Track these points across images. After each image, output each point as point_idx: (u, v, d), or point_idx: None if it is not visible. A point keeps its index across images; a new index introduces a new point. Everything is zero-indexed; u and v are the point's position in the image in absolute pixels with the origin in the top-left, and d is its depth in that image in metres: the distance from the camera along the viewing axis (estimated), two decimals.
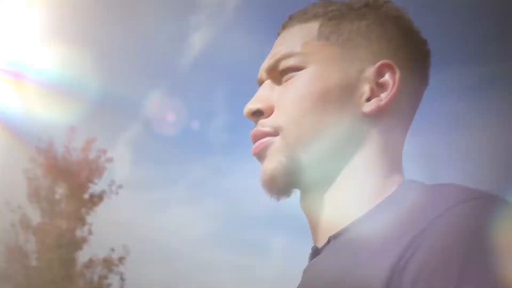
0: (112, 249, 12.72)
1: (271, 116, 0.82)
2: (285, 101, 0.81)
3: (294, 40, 0.84)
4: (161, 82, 19.01)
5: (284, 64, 0.83)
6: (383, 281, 0.61)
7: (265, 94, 0.84)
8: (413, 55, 0.83)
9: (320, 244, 0.79)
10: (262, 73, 0.87)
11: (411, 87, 0.83)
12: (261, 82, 0.87)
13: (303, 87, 0.80)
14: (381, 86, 0.80)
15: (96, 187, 13.04)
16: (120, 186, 13.05)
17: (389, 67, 0.80)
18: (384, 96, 0.79)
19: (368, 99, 0.79)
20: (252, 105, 0.83)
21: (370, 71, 0.80)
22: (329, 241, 0.77)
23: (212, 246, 17.84)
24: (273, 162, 0.80)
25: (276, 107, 0.82)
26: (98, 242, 12.75)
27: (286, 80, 0.83)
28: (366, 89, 0.80)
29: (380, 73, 0.80)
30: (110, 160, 13.26)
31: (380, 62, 0.80)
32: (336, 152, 0.80)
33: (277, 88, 0.84)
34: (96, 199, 12.91)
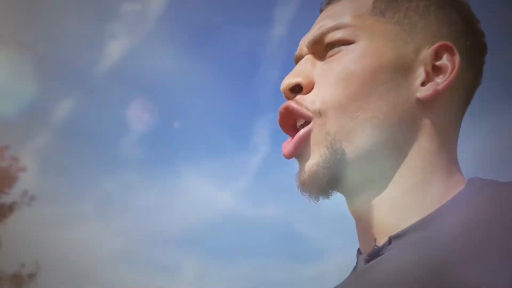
0: (23, 265, 11.96)
1: (310, 94, 0.71)
2: (329, 77, 0.71)
3: (344, 12, 0.74)
4: (74, 90, 18.36)
5: (331, 36, 0.72)
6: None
7: (306, 69, 0.73)
8: (472, 46, 0.75)
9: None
10: (302, 47, 0.76)
11: (467, 80, 0.74)
12: (299, 58, 0.77)
13: (352, 63, 0.70)
14: (438, 70, 0.71)
15: (6, 198, 12.29)
16: (32, 198, 12.38)
17: (448, 49, 0.71)
18: (442, 81, 0.70)
19: (423, 84, 0.70)
20: (291, 78, 0.72)
21: (428, 52, 0.71)
22: (390, 241, 0.66)
23: (122, 265, 17.31)
24: (314, 156, 0.69)
25: (318, 84, 0.72)
26: (7, 257, 11.97)
27: (332, 55, 0.72)
28: (421, 71, 0.71)
29: (438, 55, 0.72)
30: (22, 169, 12.58)
31: (439, 43, 0.72)
32: (387, 144, 0.69)
33: (320, 63, 0.73)
34: (6, 210, 12.13)
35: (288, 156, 0.71)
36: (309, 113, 0.70)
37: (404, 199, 0.68)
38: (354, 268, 0.75)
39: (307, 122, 0.71)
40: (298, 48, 0.77)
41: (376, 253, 0.68)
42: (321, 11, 0.80)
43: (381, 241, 0.68)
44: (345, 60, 0.70)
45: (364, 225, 0.72)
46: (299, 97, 0.71)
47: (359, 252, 0.75)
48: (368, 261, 0.68)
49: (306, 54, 0.75)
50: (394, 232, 0.66)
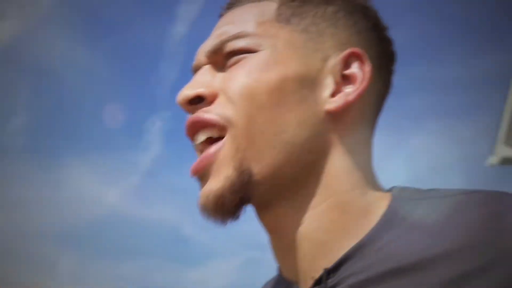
0: None
1: (214, 105, 0.66)
2: (234, 87, 0.65)
3: (247, 19, 0.69)
4: None
5: (233, 45, 0.67)
6: None
7: (206, 79, 0.68)
8: (381, 53, 0.72)
9: (305, 277, 0.65)
10: (200, 57, 0.70)
11: (377, 89, 0.71)
12: (197, 69, 0.71)
13: (257, 72, 0.65)
14: (347, 79, 0.68)
15: None
16: None
17: (358, 57, 0.68)
18: (352, 91, 0.66)
19: (333, 95, 0.67)
20: (191, 90, 0.66)
21: (336, 60, 0.68)
22: (328, 274, 0.62)
23: None
24: (219, 177, 0.64)
25: (221, 95, 0.66)
26: None
27: (233, 64, 0.67)
28: (330, 81, 0.67)
29: (347, 63, 0.68)
30: None
31: (348, 50, 0.68)
32: (298, 161, 0.65)
33: (221, 74, 0.68)
34: None
35: (195, 174, 0.66)
36: (220, 119, 0.64)
37: (327, 220, 0.65)
38: None
39: (216, 139, 0.66)
40: (196, 58, 0.71)
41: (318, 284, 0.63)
42: (221, 16, 0.74)
43: (311, 264, 0.65)
44: (250, 68, 0.65)
45: (285, 246, 0.67)
46: (205, 108, 0.66)
47: (281, 272, 0.71)
48: None
49: (205, 64, 0.70)
50: (324, 257, 0.64)
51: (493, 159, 7.91)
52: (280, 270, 0.72)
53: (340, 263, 0.62)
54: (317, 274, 0.63)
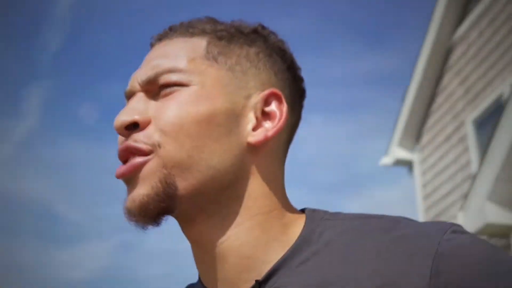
0: None
1: (146, 130, 0.73)
2: (165, 115, 0.73)
3: (179, 54, 0.77)
4: None
5: (166, 78, 0.75)
6: None
7: (141, 107, 0.75)
8: (295, 91, 0.82)
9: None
10: (134, 84, 0.78)
11: (290, 124, 0.81)
12: (131, 94, 0.78)
13: (188, 104, 0.73)
14: (267, 115, 0.77)
15: None
16: None
17: (276, 97, 0.78)
18: (271, 127, 0.76)
19: (254, 129, 0.76)
20: (127, 116, 0.73)
21: (258, 98, 0.77)
22: (259, 285, 0.72)
23: None
24: (146, 186, 0.71)
25: (154, 121, 0.73)
26: None
27: (166, 95, 0.75)
28: (252, 117, 0.76)
29: (267, 101, 0.77)
30: None
31: (268, 90, 0.78)
32: (220, 185, 0.73)
33: (153, 102, 0.76)
34: None
35: (119, 176, 0.73)
36: (147, 147, 0.72)
37: (251, 237, 0.73)
38: None
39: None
40: (130, 84, 0.79)
41: None
42: (151, 45, 0.82)
43: (237, 276, 0.73)
44: (180, 100, 0.73)
45: (209, 259, 0.75)
46: (136, 135, 0.73)
47: (201, 281, 0.79)
48: None
49: (138, 91, 0.77)
50: (250, 270, 0.73)
51: (387, 159, 8.32)
52: (200, 279, 0.80)
53: (269, 276, 0.71)
54: (244, 285, 0.72)
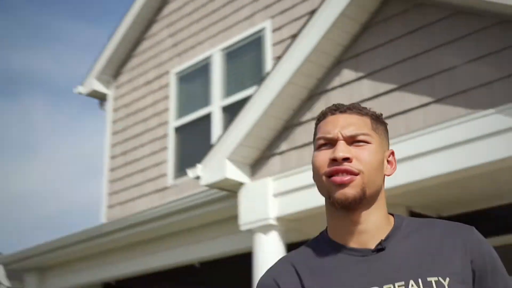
0: None
1: (353, 162, 1.37)
2: (364, 157, 1.38)
3: (363, 126, 1.42)
4: None
5: (362, 137, 1.40)
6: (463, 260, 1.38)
7: (348, 149, 1.38)
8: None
9: (368, 245, 1.40)
10: (338, 135, 1.40)
11: None
12: (332, 140, 1.41)
13: (373, 154, 1.40)
14: (390, 163, 1.45)
15: None
16: None
17: (392, 153, 1.48)
18: (390, 169, 1.46)
19: (386, 169, 1.44)
20: (344, 153, 1.37)
21: (388, 153, 1.49)
22: (380, 243, 1.39)
23: None
24: (355, 190, 1.36)
25: (356, 159, 1.37)
26: None
27: (357, 145, 1.40)
28: (385, 163, 1.46)
29: (389, 155, 1.47)
30: None
31: (390, 150, 1.48)
32: (378, 191, 1.43)
33: (350, 147, 1.39)
34: None
35: (340, 182, 1.39)
36: (357, 171, 1.37)
37: (382, 219, 1.44)
38: (334, 256, 1.43)
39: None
40: (332, 133, 1.42)
41: (380, 249, 1.38)
42: (331, 113, 1.47)
43: (370, 242, 1.40)
44: (370, 150, 1.40)
45: (359, 230, 1.40)
46: (347, 164, 1.37)
47: (334, 243, 1.44)
48: (374, 252, 1.38)
49: (340, 140, 1.40)
50: (378, 235, 1.40)
51: (82, 88, 8.45)
52: (329, 236, 1.46)
53: (387, 237, 1.41)
54: (372, 242, 1.40)
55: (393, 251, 1.37)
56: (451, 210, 4.84)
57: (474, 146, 3.71)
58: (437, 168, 3.85)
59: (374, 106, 3.83)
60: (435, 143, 3.88)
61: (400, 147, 3.76)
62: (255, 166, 4.99)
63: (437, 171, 3.86)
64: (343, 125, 1.41)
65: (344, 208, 1.37)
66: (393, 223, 1.45)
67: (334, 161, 1.37)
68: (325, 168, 1.38)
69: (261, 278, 1.47)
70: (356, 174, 1.36)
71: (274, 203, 4.70)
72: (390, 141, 3.52)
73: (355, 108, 1.46)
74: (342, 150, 1.37)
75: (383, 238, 1.40)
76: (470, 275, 1.36)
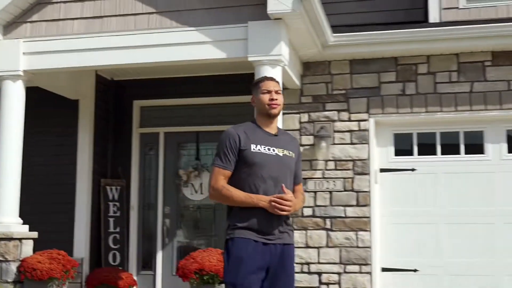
0: None
1: (278, 101, 3.27)
2: (280, 99, 3.29)
3: (279, 86, 3.35)
4: None
5: (279, 91, 3.30)
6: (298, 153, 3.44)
7: (275, 96, 3.26)
8: None
9: (272, 132, 3.30)
10: (273, 89, 3.28)
11: None
12: (270, 91, 3.27)
13: (282, 97, 3.32)
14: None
15: None
16: None
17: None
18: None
19: None
20: (275, 97, 3.27)
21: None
22: (276, 133, 3.31)
23: None
24: (277, 111, 3.28)
25: (278, 99, 3.27)
26: None
27: (278, 93, 3.28)
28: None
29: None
30: None
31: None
32: (280, 114, 3.61)
33: (276, 95, 3.28)
34: None
35: (275, 112, 3.31)
36: (280, 104, 3.29)
37: (276, 125, 3.37)
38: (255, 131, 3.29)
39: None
40: (270, 88, 3.29)
41: (276, 135, 3.30)
42: (267, 79, 3.39)
43: (273, 131, 3.30)
44: (281, 96, 3.31)
45: (271, 125, 3.31)
46: (276, 101, 3.27)
47: (260, 127, 3.30)
48: (275, 135, 3.31)
49: (273, 91, 3.28)
50: (276, 130, 3.34)
51: None
52: (258, 124, 3.35)
53: (278, 132, 3.41)
54: (275, 131, 3.35)
55: (279, 137, 3.29)
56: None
57: (177, 48, 5.87)
58: (152, 57, 5.93)
59: (116, 4, 5.76)
60: (154, 40, 5.91)
61: (130, 38, 5.90)
62: (8, 27, 6.30)
63: (151, 59, 5.96)
64: (274, 85, 3.30)
65: (270, 116, 3.24)
66: (277, 127, 3.34)
67: (272, 100, 3.25)
68: (267, 101, 3.22)
69: (228, 129, 3.21)
70: (279, 105, 3.25)
71: (23, 59, 6.18)
72: (124, 33, 5.56)
73: (275, 80, 3.39)
74: (274, 95, 3.26)
75: (276, 131, 3.30)
76: (297, 158, 3.35)
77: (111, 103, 7.74)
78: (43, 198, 7.15)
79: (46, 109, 7.33)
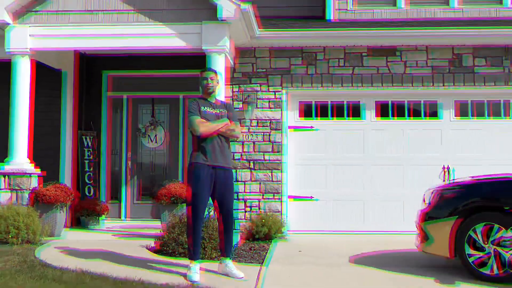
0: None
1: (213, 84, 5.90)
2: (219, 85, 6.29)
3: (215, 76, 5.96)
4: None
5: (215, 79, 5.95)
6: None
7: (212, 81, 5.91)
8: None
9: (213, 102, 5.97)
10: (208, 76, 5.89)
11: None
12: (205, 77, 5.88)
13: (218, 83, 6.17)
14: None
15: None
16: None
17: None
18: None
19: None
20: (214, 83, 5.90)
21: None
22: (217, 104, 5.97)
23: None
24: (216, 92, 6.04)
25: (216, 86, 5.97)
26: None
27: (212, 79, 5.89)
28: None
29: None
30: None
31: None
32: (217, 91, 6.11)
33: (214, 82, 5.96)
34: None
35: (211, 86, 6.13)
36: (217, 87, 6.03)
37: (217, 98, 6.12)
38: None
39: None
40: (209, 78, 5.88)
41: (216, 105, 5.95)
42: (205, 71, 6.02)
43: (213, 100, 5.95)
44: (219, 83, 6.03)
45: (213, 98, 5.93)
46: (212, 84, 5.91)
47: (207, 99, 5.91)
48: (215, 104, 5.97)
49: (208, 78, 5.88)
50: (219, 102, 6.04)
51: None
52: (204, 97, 5.93)
53: (217, 102, 6.06)
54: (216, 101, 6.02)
55: (216, 104, 5.86)
56: None
57: (150, 38, 8.25)
58: (131, 44, 8.27)
59: (103, 2, 8.04)
60: (132, 31, 8.24)
61: (113, 29, 8.26)
62: (18, 15, 8.37)
63: (130, 45, 8.30)
64: (209, 74, 5.88)
65: (208, 94, 5.82)
66: (215, 98, 5.96)
67: (207, 85, 5.83)
68: (204, 86, 5.81)
69: (194, 99, 5.84)
70: (212, 87, 5.83)
71: (30, 40, 8.34)
72: (109, 24, 8.70)
73: (212, 69, 6.07)
74: (210, 82, 5.82)
75: (215, 101, 5.91)
76: (228, 112, 5.90)
77: (85, 72, 9.95)
78: (37, 145, 9.32)
79: (39, 77, 9.43)
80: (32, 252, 6.61)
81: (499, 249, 5.53)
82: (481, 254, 5.60)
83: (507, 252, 5.49)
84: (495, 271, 5.52)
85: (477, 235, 5.62)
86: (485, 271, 5.56)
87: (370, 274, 5.95)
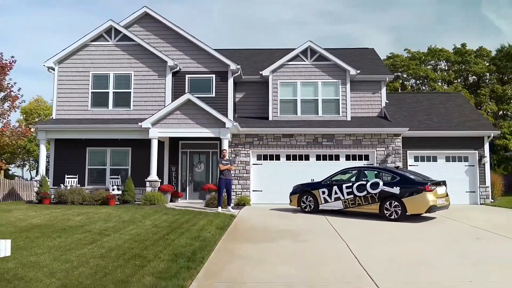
0: None
1: (226, 153, 22.23)
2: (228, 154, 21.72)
3: (226, 153, 22.20)
4: None
5: (225, 153, 21.94)
6: None
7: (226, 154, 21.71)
8: None
9: None
10: (223, 152, 22.08)
11: None
12: (224, 155, 21.74)
13: None
14: None
15: None
16: None
17: None
18: None
19: None
20: (226, 152, 22.58)
21: None
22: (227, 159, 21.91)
23: None
24: None
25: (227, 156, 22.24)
26: None
27: (225, 154, 21.73)
28: None
29: None
30: None
31: None
32: None
33: None
34: None
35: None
36: None
37: None
38: None
39: None
40: (225, 154, 22.88)
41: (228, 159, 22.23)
42: (224, 151, 22.53)
43: None
44: None
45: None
46: None
47: None
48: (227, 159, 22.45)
49: (224, 151, 22.34)
50: None
51: None
52: None
53: None
54: None
55: (227, 159, 20.00)
56: None
57: (196, 132, 23.19)
58: (189, 135, 23.18)
59: (181, 120, 23.38)
60: (191, 131, 23.13)
61: (183, 130, 23.20)
62: (153, 124, 23.13)
63: (189, 135, 23.24)
64: (224, 151, 21.23)
65: (225, 156, 19.96)
66: (227, 157, 20.60)
67: (224, 154, 21.32)
68: (224, 162, 21.19)
69: (220, 158, 21.61)
70: (226, 154, 20.22)
71: (158, 134, 23.06)
72: (181, 128, 25.21)
73: (225, 149, 20.84)
74: (225, 152, 20.83)
75: (228, 159, 19.98)
76: (230, 162, 20.19)
77: (172, 143, 24.88)
78: (157, 170, 23.98)
79: (158, 147, 23.89)
80: (163, 206, 21.41)
81: (308, 203, 20.01)
82: (305, 204, 20.07)
83: (311, 204, 19.99)
84: (309, 209, 19.93)
85: (304, 199, 20.15)
86: (306, 209, 19.96)
87: (274, 211, 20.71)
